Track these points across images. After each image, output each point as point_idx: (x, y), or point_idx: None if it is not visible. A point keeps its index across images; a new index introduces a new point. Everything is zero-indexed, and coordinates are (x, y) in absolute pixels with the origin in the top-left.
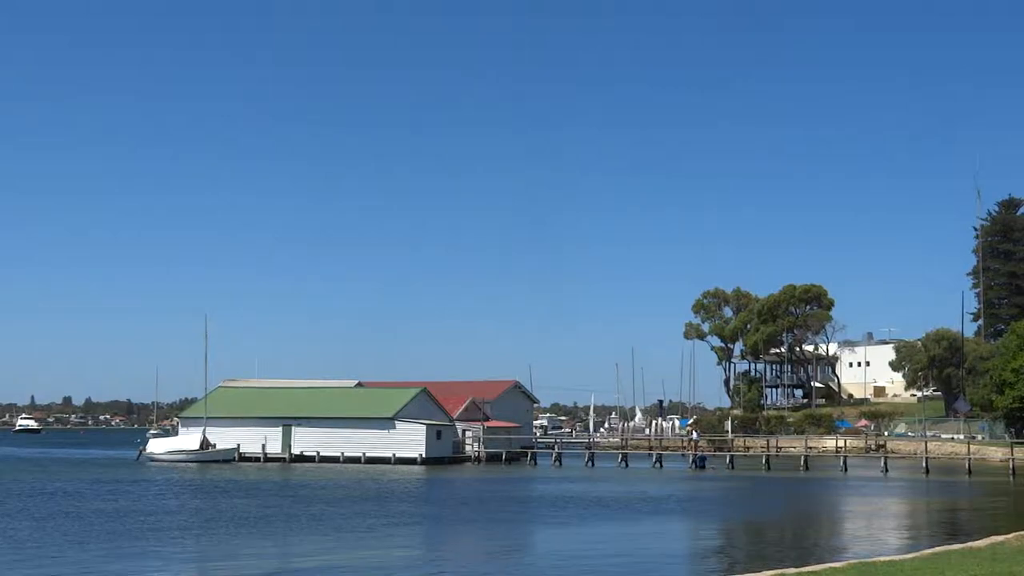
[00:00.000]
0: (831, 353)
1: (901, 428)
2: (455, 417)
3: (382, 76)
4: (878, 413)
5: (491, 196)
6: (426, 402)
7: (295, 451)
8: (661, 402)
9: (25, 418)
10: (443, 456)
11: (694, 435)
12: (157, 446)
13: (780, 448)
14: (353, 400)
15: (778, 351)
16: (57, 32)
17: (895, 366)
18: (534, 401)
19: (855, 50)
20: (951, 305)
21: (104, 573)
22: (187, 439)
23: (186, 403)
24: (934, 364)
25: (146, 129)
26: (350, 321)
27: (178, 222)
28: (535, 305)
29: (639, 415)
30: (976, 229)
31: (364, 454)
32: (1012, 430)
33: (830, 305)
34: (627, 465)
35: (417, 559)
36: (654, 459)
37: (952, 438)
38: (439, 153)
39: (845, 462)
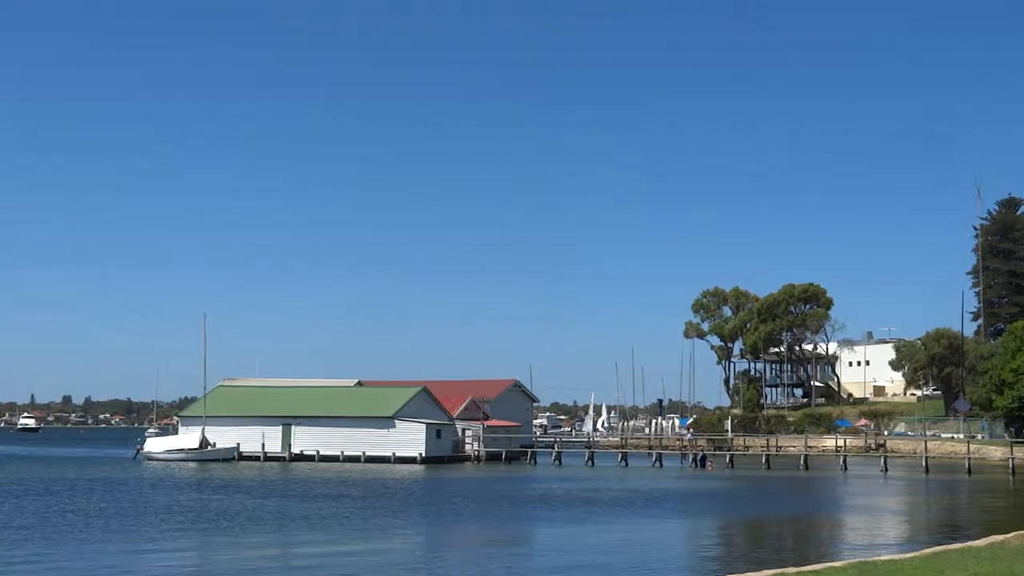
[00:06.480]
0: (831, 352)
1: (901, 427)
2: (455, 416)
3: (382, 76)
4: (878, 412)
5: (491, 196)
6: (426, 401)
7: (295, 450)
8: (661, 401)
9: (27, 417)
10: (443, 455)
11: (688, 435)
12: (156, 445)
13: (780, 447)
14: (353, 399)
15: (778, 350)
16: (56, 32)
17: (895, 365)
18: (534, 400)
19: (855, 50)
20: (951, 304)
21: (101, 570)
22: (186, 438)
23: (186, 402)
24: (934, 363)
25: (146, 129)
26: (350, 321)
27: (178, 222)
28: (535, 305)
29: (605, 414)
30: (976, 228)
31: (364, 453)
32: (1012, 429)
33: (828, 304)
34: (627, 464)
35: (415, 558)
36: (654, 458)
37: (952, 437)
38: (439, 152)
39: (845, 461)
